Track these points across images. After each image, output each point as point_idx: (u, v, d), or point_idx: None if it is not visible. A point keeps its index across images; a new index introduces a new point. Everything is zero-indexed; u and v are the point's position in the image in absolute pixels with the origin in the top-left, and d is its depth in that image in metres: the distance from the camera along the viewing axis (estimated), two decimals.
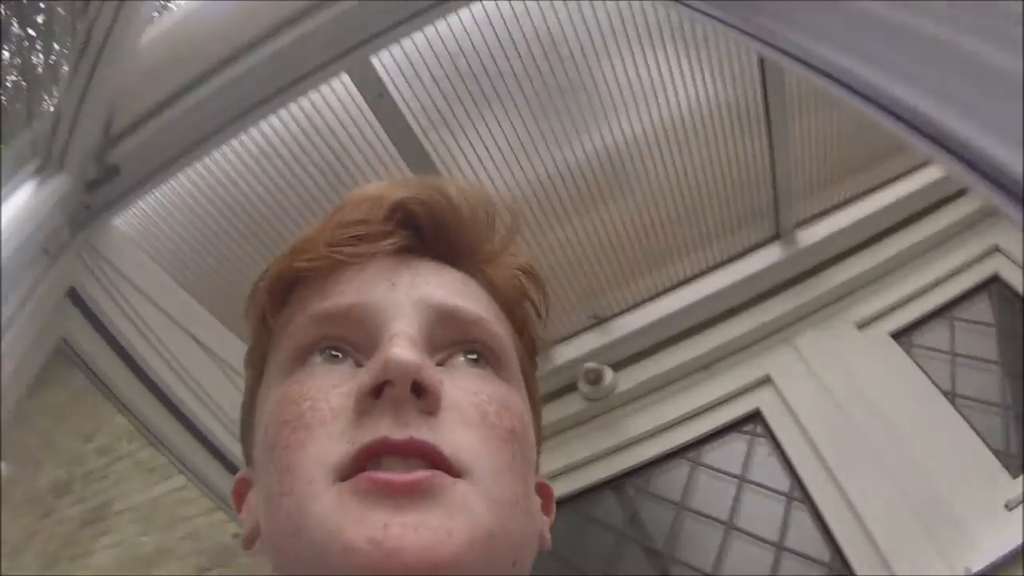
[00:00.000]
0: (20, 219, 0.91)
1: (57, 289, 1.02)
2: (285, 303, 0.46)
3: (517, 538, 0.39)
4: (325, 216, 0.47)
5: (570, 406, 2.00)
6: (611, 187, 1.83)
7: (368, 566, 0.32)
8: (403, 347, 0.37)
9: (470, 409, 0.39)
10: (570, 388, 2.05)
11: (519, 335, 0.49)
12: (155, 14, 1.21)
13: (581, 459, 1.90)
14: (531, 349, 0.51)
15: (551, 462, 1.92)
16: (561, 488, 1.88)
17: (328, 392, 0.39)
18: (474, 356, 0.43)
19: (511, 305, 0.49)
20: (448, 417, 0.38)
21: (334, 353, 0.41)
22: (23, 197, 0.95)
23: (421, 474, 0.35)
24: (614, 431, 1.94)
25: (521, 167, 1.65)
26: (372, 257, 0.44)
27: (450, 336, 0.43)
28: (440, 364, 0.42)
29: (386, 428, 0.36)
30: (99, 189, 1.09)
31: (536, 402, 0.49)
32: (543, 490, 0.50)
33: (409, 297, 0.42)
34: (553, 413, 1.99)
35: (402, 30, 1.21)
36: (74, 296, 1.07)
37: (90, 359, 1.14)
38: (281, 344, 0.44)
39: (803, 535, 1.57)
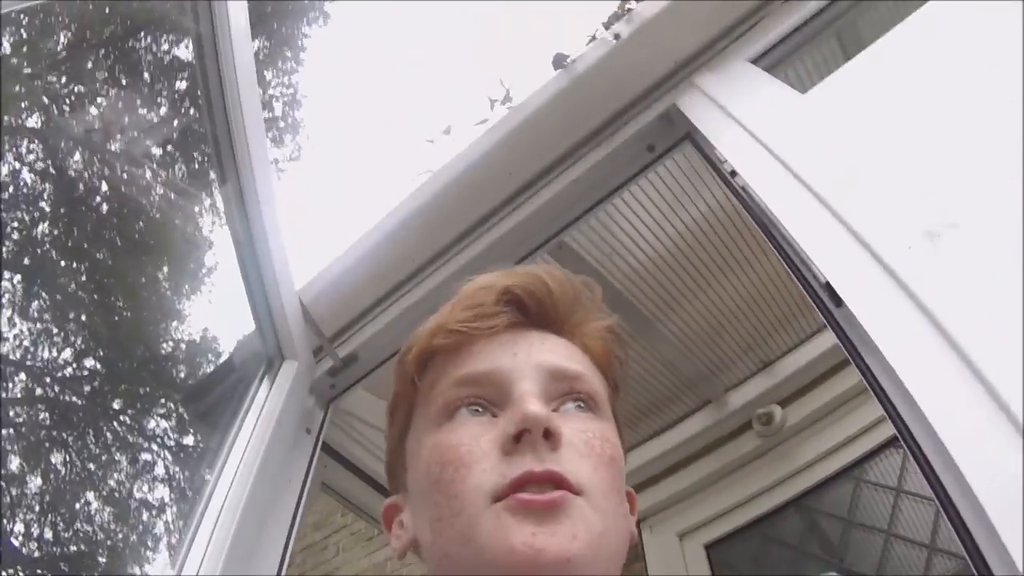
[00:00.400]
0: (283, 408, 1.42)
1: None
2: (426, 370, 0.60)
3: (618, 536, 0.52)
4: (447, 305, 0.62)
5: (747, 444, 2.33)
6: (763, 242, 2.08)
7: (523, 563, 0.46)
8: (534, 404, 0.51)
9: (582, 445, 0.52)
10: (745, 427, 2.38)
11: (609, 382, 0.62)
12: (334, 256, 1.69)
13: (759, 488, 2.22)
14: (616, 391, 0.63)
15: (732, 494, 2.28)
16: (743, 516, 2.22)
17: (479, 438, 0.52)
18: (580, 403, 0.56)
19: (601, 360, 0.62)
20: (567, 452, 0.51)
21: (476, 408, 0.54)
22: (277, 392, 1.46)
23: (555, 494, 0.47)
24: (786, 459, 2.24)
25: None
26: (492, 332, 0.58)
27: (560, 389, 0.56)
28: (555, 411, 0.54)
29: (528, 464, 0.49)
30: (341, 373, 1.65)
31: (621, 431, 0.61)
32: (629, 497, 0.61)
33: (528, 363, 0.56)
34: (732, 451, 2.34)
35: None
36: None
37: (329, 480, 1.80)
38: (430, 401, 0.57)
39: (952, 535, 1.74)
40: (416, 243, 1.65)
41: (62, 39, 4.72)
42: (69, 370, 4.80)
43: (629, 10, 1.51)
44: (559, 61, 1.47)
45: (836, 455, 2.13)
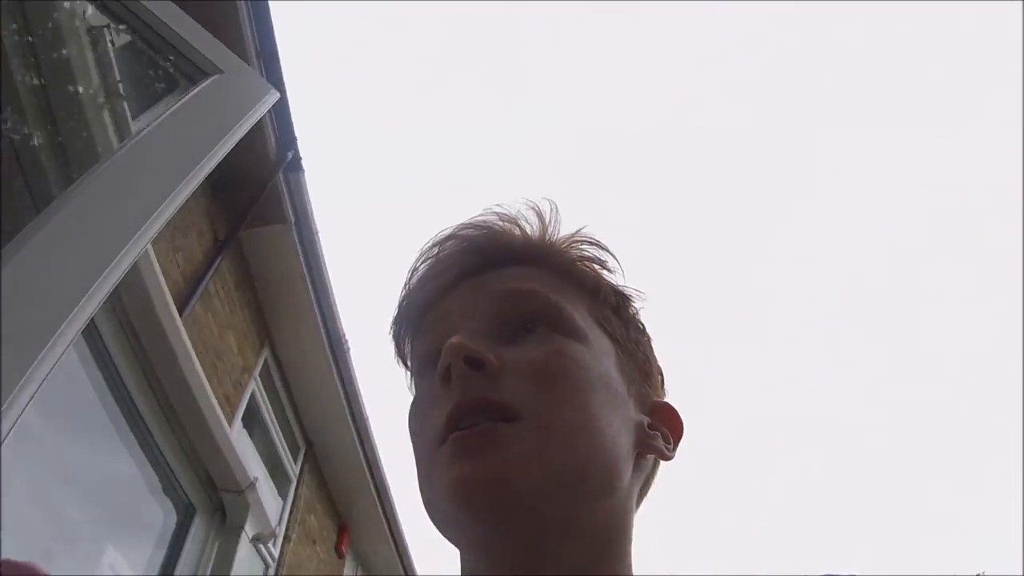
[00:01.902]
0: None
1: None
2: (407, 339, 0.61)
3: (582, 457, 0.47)
4: (408, 271, 0.61)
5: None
6: None
7: (461, 499, 0.45)
8: (455, 337, 0.49)
9: (523, 366, 0.49)
10: None
11: (594, 292, 0.58)
12: None
13: None
14: (616, 300, 0.59)
15: None
16: None
17: (432, 387, 0.52)
18: (531, 326, 0.53)
19: (573, 270, 0.59)
20: (508, 378, 0.48)
21: (435, 362, 0.53)
22: None
23: (480, 428, 0.46)
24: None
25: None
26: (446, 284, 0.57)
27: (515, 313, 0.53)
28: (513, 342, 0.52)
29: (457, 396, 0.48)
30: None
31: (623, 342, 0.57)
32: (662, 410, 0.57)
33: (477, 300, 0.55)
34: None
35: None
36: None
37: None
38: (413, 370, 0.60)
39: None
40: None
41: None
42: None
43: None
44: None
45: None
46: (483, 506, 0.44)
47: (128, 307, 3.25)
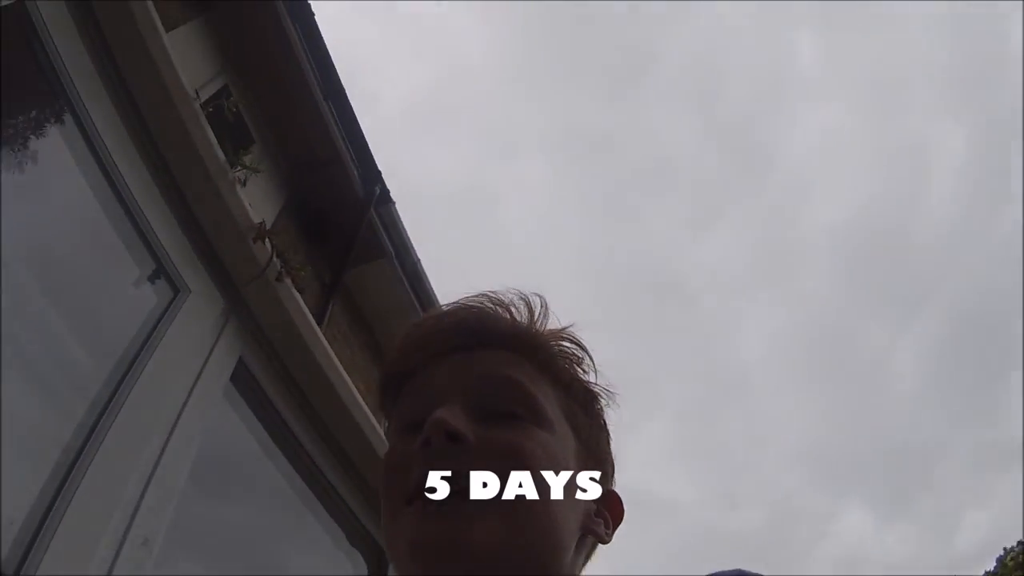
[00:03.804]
0: None
1: None
2: (394, 397, 0.66)
3: (536, 534, 0.53)
4: (400, 339, 0.66)
5: None
6: None
7: (420, 561, 0.51)
8: (440, 411, 0.54)
9: (496, 446, 0.54)
10: None
11: (567, 387, 0.64)
12: None
13: None
14: (584, 396, 0.66)
15: None
16: None
17: (408, 447, 0.57)
18: (507, 412, 0.58)
19: (552, 364, 0.64)
20: (480, 454, 0.53)
21: (415, 424, 0.59)
22: None
23: (448, 497, 0.52)
24: None
25: None
26: (437, 357, 0.62)
27: (495, 396, 0.58)
28: (489, 423, 0.56)
29: (429, 467, 0.53)
30: None
31: (585, 436, 0.63)
32: (609, 497, 0.65)
33: (463, 377, 0.60)
34: None
35: None
36: None
37: None
38: (392, 426, 0.64)
39: None
40: None
41: None
42: None
43: None
44: None
45: None
46: (441, 566, 0.50)
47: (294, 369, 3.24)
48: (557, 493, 0.55)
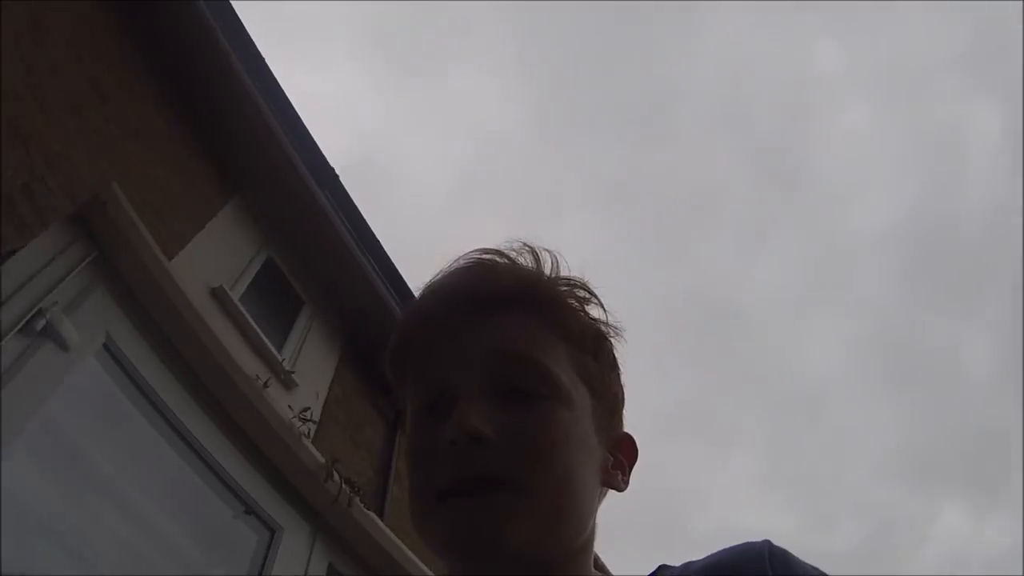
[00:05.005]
0: None
1: None
2: (402, 375, 0.66)
3: (563, 516, 0.56)
4: (407, 310, 0.67)
5: None
6: None
7: (459, 555, 0.55)
8: (462, 415, 0.55)
9: (518, 440, 0.55)
10: None
11: (578, 340, 0.63)
12: None
13: None
14: (594, 344, 0.64)
15: None
16: None
17: (433, 440, 0.58)
18: (524, 392, 0.58)
19: (559, 319, 0.62)
20: (503, 449, 0.55)
21: (432, 407, 0.60)
22: None
23: (479, 502, 0.54)
24: None
25: None
26: (445, 328, 0.61)
27: (509, 376, 0.59)
28: (507, 407, 0.57)
29: (461, 469, 0.54)
30: None
31: (598, 385, 0.63)
32: (623, 443, 0.66)
33: (475, 355, 0.59)
34: None
35: None
36: None
37: None
38: (408, 402, 0.64)
39: None
40: None
41: None
42: None
43: None
44: None
45: None
46: (477, 564, 0.53)
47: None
48: (579, 468, 0.57)
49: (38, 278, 2.11)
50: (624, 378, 0.68)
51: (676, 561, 0.59)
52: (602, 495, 0.63)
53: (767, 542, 0.54)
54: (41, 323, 2.06)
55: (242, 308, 4.18)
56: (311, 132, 4.76)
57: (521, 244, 0.66)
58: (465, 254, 0.65)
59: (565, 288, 0.64)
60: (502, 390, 0.58)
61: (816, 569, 0.52)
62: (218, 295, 4.10)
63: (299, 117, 4.70)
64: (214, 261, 4.21)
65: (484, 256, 0.65)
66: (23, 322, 2.01)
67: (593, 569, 0.61)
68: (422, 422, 0.60)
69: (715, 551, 0.56)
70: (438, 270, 0.66)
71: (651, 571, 0.60)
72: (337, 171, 4.85)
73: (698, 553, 0.58)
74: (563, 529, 0.56)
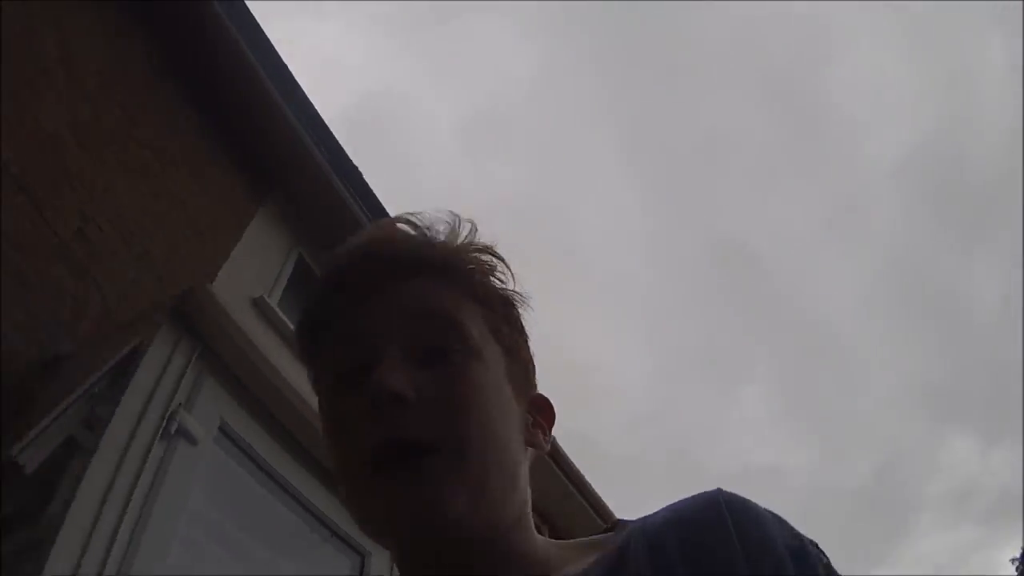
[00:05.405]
0: None
1: None
2: (315, 342, 0.64)
3: (492, 471, 0.56)
4: (321, 274, 0.65)
5: None
6: None
7: (401, 530, 0.54)
8: (380, 372, 0.55)
9: (437, 399, 0.56)
10: None
11: (488, 302, 0.64)
12: None
13: None
14: (505, 309, 0.66)
15: None
16: None
17: (353, 407, 0.57)
18: (440, 348, 0.59)
19: (471, 282, 0.64)
20: (424, 409, 0.55)
21: (351, 373, 0.59)
22: None
23: (406, 464, 0.53)
24: None
25: None
26: (358, 293, 0.61)
27: (426, 335, 0.59)
28: (426, 365, 0.58)
29: (382, 431, 0.54)
30: None
31: (509, 345, 0.64)
32: (539, 402, 0.67)
33: (387, 321, 0.59)
34: None
35: None
36: None
37: None
38: (323, 368, 0.63)
39: None
40: None
41: None
42: None
43: None
44: None
45: None
46: (421, 531, 0.53)
47: None
48: (500, 425, 0.58)
49: (161, 385, 2.27)
50: (531, 344, 0.69)
51: None
52: (529, 457, 0.63)
53: (719, 489, 0.54)
54: (174, 425, 2.23)
55: (282, 315, 4.29)
56: (331, 128, 4.77)
57: (436, 211, 0.66)
58: (375, 222, 0.67)
59: (475, 253, 0.65)
60: (418, 352, 0.58)
61: (770, 511, 0.54)
62: (259, 305, 4.21)
63: (318, 114, 4.70)
64: (252, 270, 4.31)
65: (394, 223, 0.65)
66: (161, 429, 2.16)
67: (537, 534, 0.61)
68: (339, 391, 0.60)
69: (669, 504, 0.57)
70: (347, 241, 0.66)
71: (607, 526, 0.63)
72: (359, 168, 4.87)
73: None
74: (496, 486, 0.56)
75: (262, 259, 4.51)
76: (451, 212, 0.66)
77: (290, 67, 4.52)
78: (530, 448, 0.63)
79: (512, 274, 0.67)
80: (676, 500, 0.56)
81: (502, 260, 0.66)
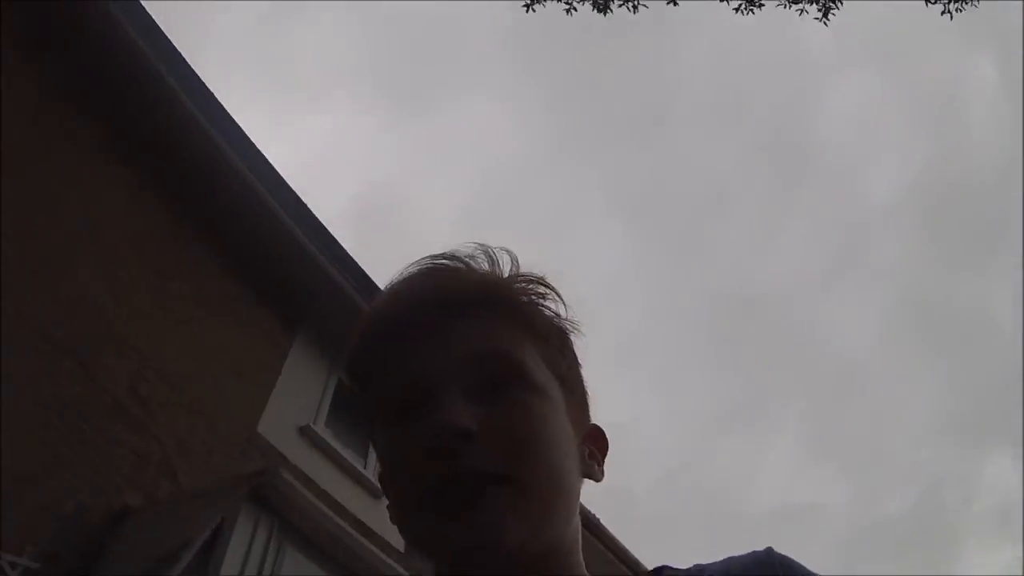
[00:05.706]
0: None
1: None
2: (368, 377, 0.63)
3: (552, 504, 0.56)
4: (370, 310, 0.64)
5: None
6: None
7: (460, 561, 0.53)
8: (441, 412, 0.54)
9: (499, 433, 0.55)
10: None
11: (544, 337, 0.63)
12: None
13: None
14: (559, 339, 0.65)
15: None
16: None
17: (410, 442, 0.56)
18: (500, 385, 0.58)
19: (525, 317, 0.63)
20: (487, 442, 0.54)
21: (408, 410, 0.58)
22: None
23: (468, 491, 0.53)
24: None
25: None
26: (413, 332, 0.60)
27: (485, 375, 0.58)
28: (485, 401, 0.57)
29: (445, 466, 0.53)
30: None
31: (566, 377, 0.64)
32: (594, 434, 0.66)
33: (448, 358, 0.58)
34: None
35: None
36: None
37: None
38: (378, 404, 0.61)
39: None
40: None
41: None
42: None
43: None
44: None
45: None
46: (482, 560, 0.52)
47: None
48: (563, 461, 0.58)
49: (250, 560, 2.43)
50: (585, 373, 0.69)
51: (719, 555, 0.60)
52: (581, 487, 0.63)
53: (769, 549, 0.56)
54: None
55: (328, 440, 4.31)
56: (349, 252, 4.91)
57: (474, 246, 0.65)
58: (418, 260, 0.64)
59: (525, 286, 0.65)
60: (479, 387, 0.57)
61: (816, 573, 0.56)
62: (307, 433, 4.24)
63: (336, 240, 4.85)
64: (295, 399, 4.35)
65: (440, 261, 0.64)
66: None
67: (585, 570, 0.61)
68: (397, 425, 0.58)
69: (721, 558, 0.58)
70: (394, 276, 0.64)
71: (648, 571, 0.62)
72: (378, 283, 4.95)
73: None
74: (555, 519, 0.56)
75: (303, 387, 4.56)
76: (479, 244, 0.65)
77: (295, 188, 4.68)
78: (585, 477, 0.63)
79: (564, 303, 0.66)
80: (728, 556, 0.58)
81: (552, 289, 0.66)
